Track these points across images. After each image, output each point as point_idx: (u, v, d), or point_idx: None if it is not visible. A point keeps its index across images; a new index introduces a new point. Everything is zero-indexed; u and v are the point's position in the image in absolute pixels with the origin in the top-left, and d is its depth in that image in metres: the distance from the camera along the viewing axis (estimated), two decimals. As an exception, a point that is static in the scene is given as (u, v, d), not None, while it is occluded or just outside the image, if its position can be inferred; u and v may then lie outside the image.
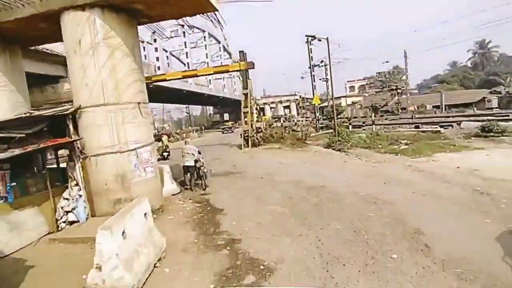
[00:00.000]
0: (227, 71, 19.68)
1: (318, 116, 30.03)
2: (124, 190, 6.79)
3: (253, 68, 18.10)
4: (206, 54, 51.44)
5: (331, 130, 24.87)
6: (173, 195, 8.55)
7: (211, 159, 14.48)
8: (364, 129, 24.07)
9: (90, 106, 6.66)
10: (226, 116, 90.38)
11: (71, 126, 6.51)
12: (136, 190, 6.76)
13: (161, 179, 8.32)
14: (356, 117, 34.48)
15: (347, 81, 74.26)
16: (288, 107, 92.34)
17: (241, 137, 18.28)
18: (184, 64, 44.69)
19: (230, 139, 26.12)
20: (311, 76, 28.94)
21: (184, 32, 41.39)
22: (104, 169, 6.76)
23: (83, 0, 6.43)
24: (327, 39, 20.90)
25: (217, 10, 8.28)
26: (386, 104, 45.94)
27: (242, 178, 10.48)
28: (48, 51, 20.53)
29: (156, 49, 34.06)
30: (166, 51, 51.26)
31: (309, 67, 28.65)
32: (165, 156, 17.37)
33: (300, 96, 75.33)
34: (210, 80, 52.67)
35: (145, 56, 34.99)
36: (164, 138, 20.15)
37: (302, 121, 35.19)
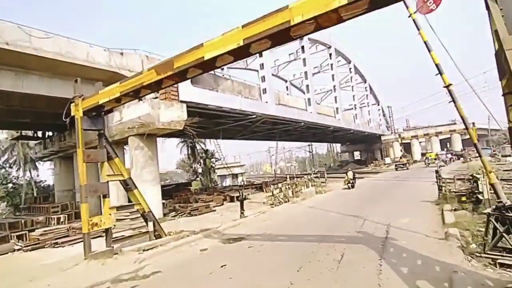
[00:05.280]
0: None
1: None
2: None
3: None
4: (333, 76, 39.47)
5: None
6: None
7: None
8: None
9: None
10: (356, 155, 74.10)
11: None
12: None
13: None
14: None
15: None
16: (447, 140, 67.76)
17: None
18: (304, 93, 34.00)
19: (399, 196, 12.40)
20: None
21: (302, 47, 31.22)
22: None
23: None
24: None
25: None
26: None
27: None
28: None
29: (263, 78, 24.76)
30: (286, 81, 43.03)
31: None
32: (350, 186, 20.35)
33: (473, 124, 51.77)
34: (337, 108, 39.90)
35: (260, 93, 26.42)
36: (349, 173, 21.25)
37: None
